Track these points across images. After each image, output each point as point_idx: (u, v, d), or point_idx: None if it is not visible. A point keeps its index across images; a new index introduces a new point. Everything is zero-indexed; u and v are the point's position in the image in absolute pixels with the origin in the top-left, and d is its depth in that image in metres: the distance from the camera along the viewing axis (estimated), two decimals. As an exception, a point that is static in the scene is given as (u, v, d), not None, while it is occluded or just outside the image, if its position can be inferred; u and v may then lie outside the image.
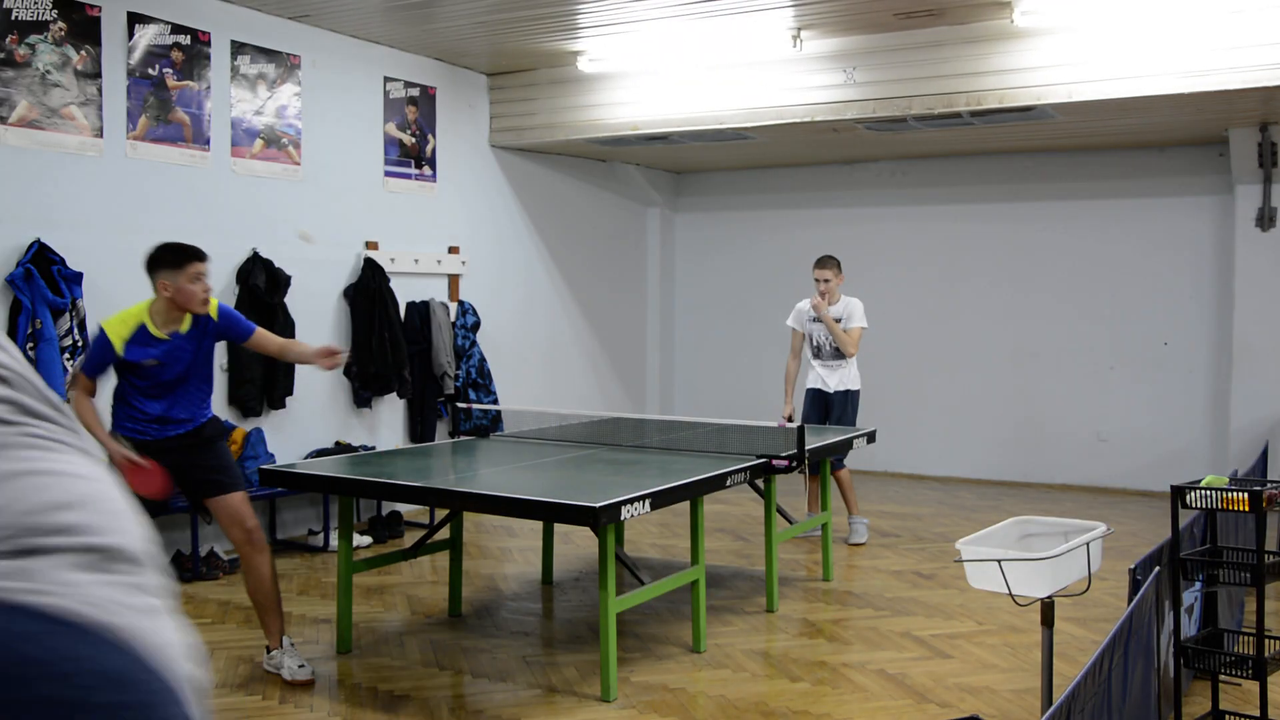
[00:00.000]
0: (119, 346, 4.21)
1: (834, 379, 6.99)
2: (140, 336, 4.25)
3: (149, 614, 0.45)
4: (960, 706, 4.09)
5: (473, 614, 5.36)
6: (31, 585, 0.42)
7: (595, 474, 4.82)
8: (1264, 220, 8.21)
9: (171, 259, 4.29)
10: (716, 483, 4.64)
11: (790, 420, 6.87)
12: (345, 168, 7.45)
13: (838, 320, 6.95)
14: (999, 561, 3.07)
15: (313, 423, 7.19)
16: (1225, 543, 3.83)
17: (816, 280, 6.97)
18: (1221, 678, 3.69)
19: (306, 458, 6.76)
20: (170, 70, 6.33)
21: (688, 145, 8.69)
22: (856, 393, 7.01)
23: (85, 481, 0.48)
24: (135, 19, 6.14)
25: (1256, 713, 3.56)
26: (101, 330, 4.26)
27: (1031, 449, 9.46)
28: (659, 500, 4.20)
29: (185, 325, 4.33)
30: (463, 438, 6.05)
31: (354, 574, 4.98)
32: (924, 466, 9.91)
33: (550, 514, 4.19)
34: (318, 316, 7.23)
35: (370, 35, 7.45)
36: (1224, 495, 3.36)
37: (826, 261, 6.99)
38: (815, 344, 7.04)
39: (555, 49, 7.73)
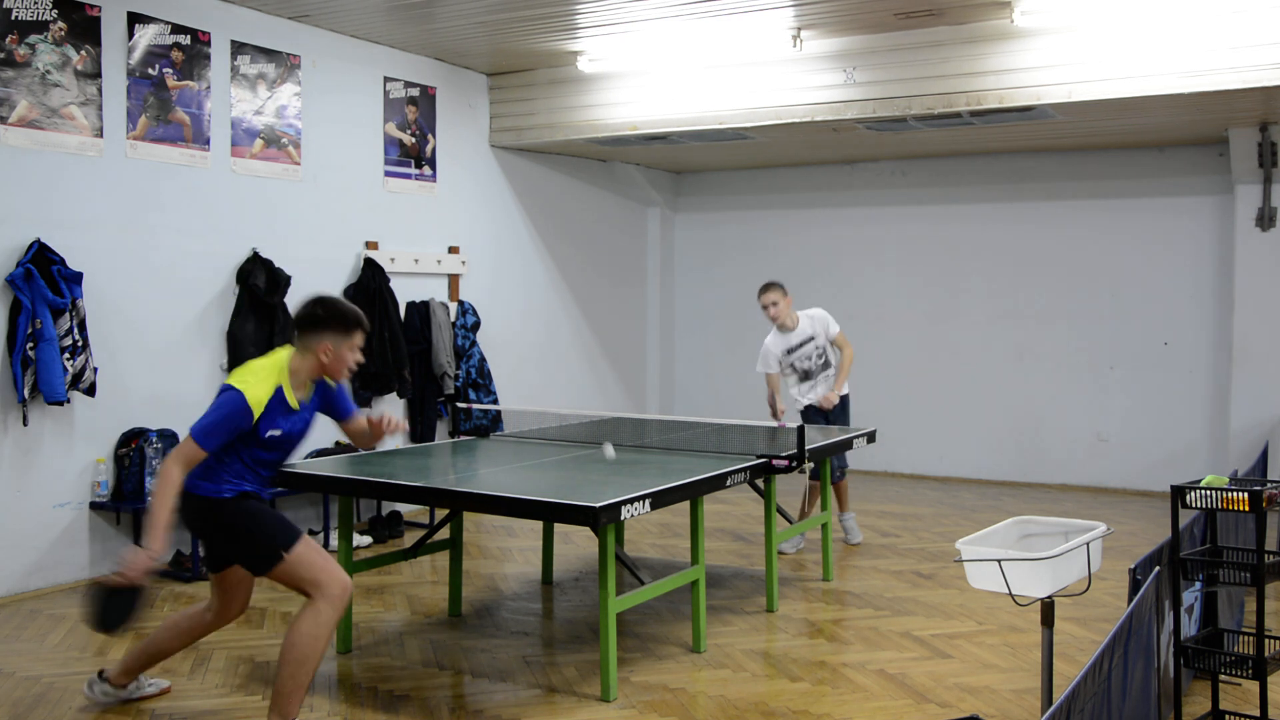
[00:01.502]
0: (256, 414, 3.57)
1: (823, 388, 6.83)
2: (276, 403, 3.64)
3: None
4: (960, 706, 4.09)
5: (473, 614, 5.36)
6: None
7: (595, 474, 4.82)
8: (1264, 220, 8.21)
9: (341, 323, 3.73)
10: (716, 483, 4.64)
11: (782, 414, 6.75)
12: (345, 168, 7.45)
13: (811, 339, 6.75)
14: (999, 561, 3.07)
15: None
16: (1225, 543, 3.83)
17: (764, 307, 6.71)
18: (1221, 678, 3.69)
19: (306, 458, 6.76)
20: (170, 70, 6.33)
21: (688, 145, 8.69)
22: (846, 397, 6.93)
23: None
24: (135, 19, 6.14)
25: (1256, 713, 3.56)
26: (236, 392, 3.54)
27: (1031, 449, 9.47)
28: (659, 500, 4.19)
29: (309, 393, 3.83)
30: (463, 438, 6.06)
31: (354, 574, 4.98)
32: (924, 466, 9.92)
33: (550, 514, 4.18)
34: (318, 316, 7.22)
35: (370, 35, 7.45)
36: (1224, 495, 3.36)
37: (768, 287, 6.74)
38: (803, 370, 6.82)
39: (555, 49, 7.73)
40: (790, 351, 6.79)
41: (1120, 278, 9.13)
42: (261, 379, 3.64)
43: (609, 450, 4.22)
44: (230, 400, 3.55)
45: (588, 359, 10.04)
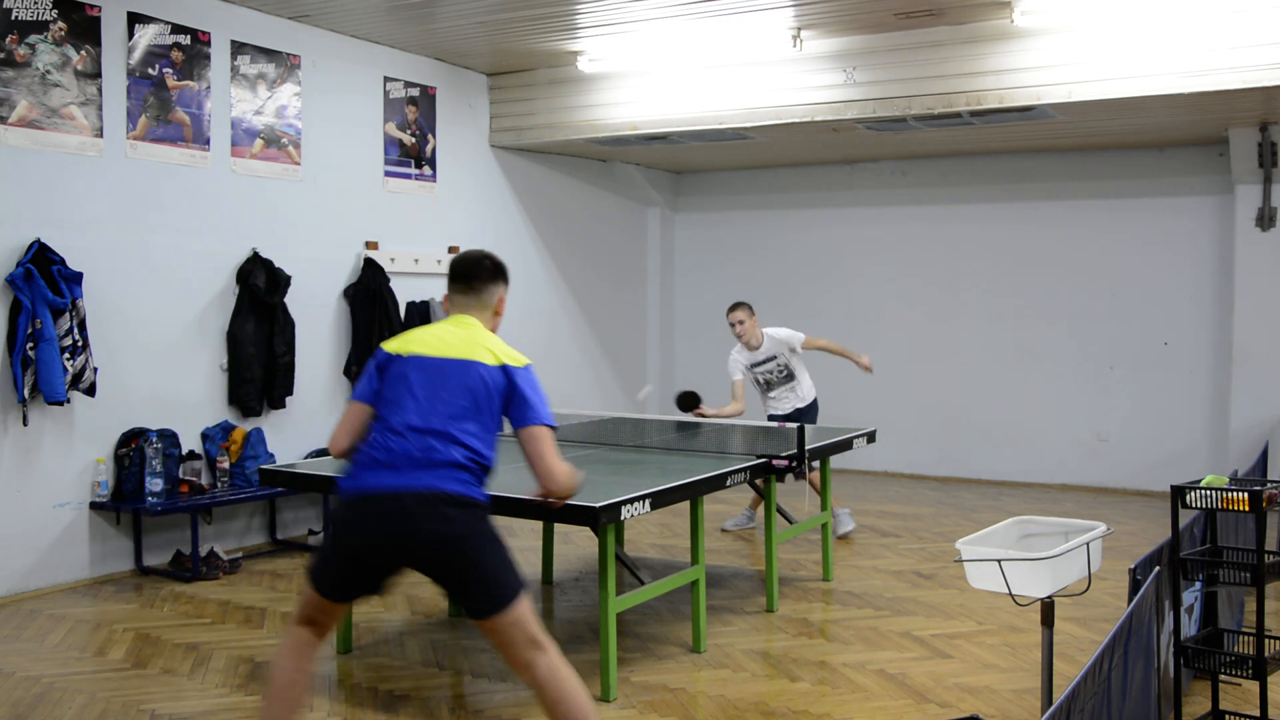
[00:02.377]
0: None
1: (790, 398, 7.15)
2: None
3: None
4: (960, 706, 4.09)
5: (473, 614, 5.36)
6: None
7: (595, 474, 4.81)
8: (1264, 220, 8.21)
9: (507, 273, 3.44)
10: (716, 483, 4.64)
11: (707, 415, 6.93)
12: (345, 168, 7.45)
13: (773, 358, 7.04)
14: (999, 561, 3.07)
15: (313, 423, 7.18)
16: (1225, 543, 3.83)
17: (730, 325, 7.03)
18: (1221, 678, 3.69)
19: (306, 458, 6.76)
20: (170, 70, 6.33)
21: (688, 145, 8.69)
22: (811, 406, 7.16)
23: None
24: (135, 19, 6.14)
25: (1256, 713, 3.56)
26: (530, 370, 3.25)
27: (1032, 449, 9.47)
28: (659, 500, 4.20)
29: None
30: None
31: (354, 574, 4.97)
32: (924, 466, 9.92)
33: (550, 514, 4.18)
34: (318, 316, 7.23)
35: (370, 35, 7.45)
36: (1224, 495, 3.35)
37: (735, 306, 7.06)
38: (765, 381, 7.16)
39: (555, 49, 7.73)
40: (753, 367, 7.13)
41: (1120, 278, 9.13)
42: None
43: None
44: (534, 377, 3.24)
45: (588, 359, 10.04)
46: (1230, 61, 6.09)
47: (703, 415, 6.79)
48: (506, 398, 3.18)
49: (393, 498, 3.02)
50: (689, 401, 6.76)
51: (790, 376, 7.13)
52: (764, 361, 7.09)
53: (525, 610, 3.07)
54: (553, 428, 3.18)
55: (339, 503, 3.14)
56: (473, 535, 3.04)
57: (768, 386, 7.18)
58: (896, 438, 9.50)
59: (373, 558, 3.09)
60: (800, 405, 7.13)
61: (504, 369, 3.18)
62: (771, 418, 7.18)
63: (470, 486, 3.08)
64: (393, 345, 3.28)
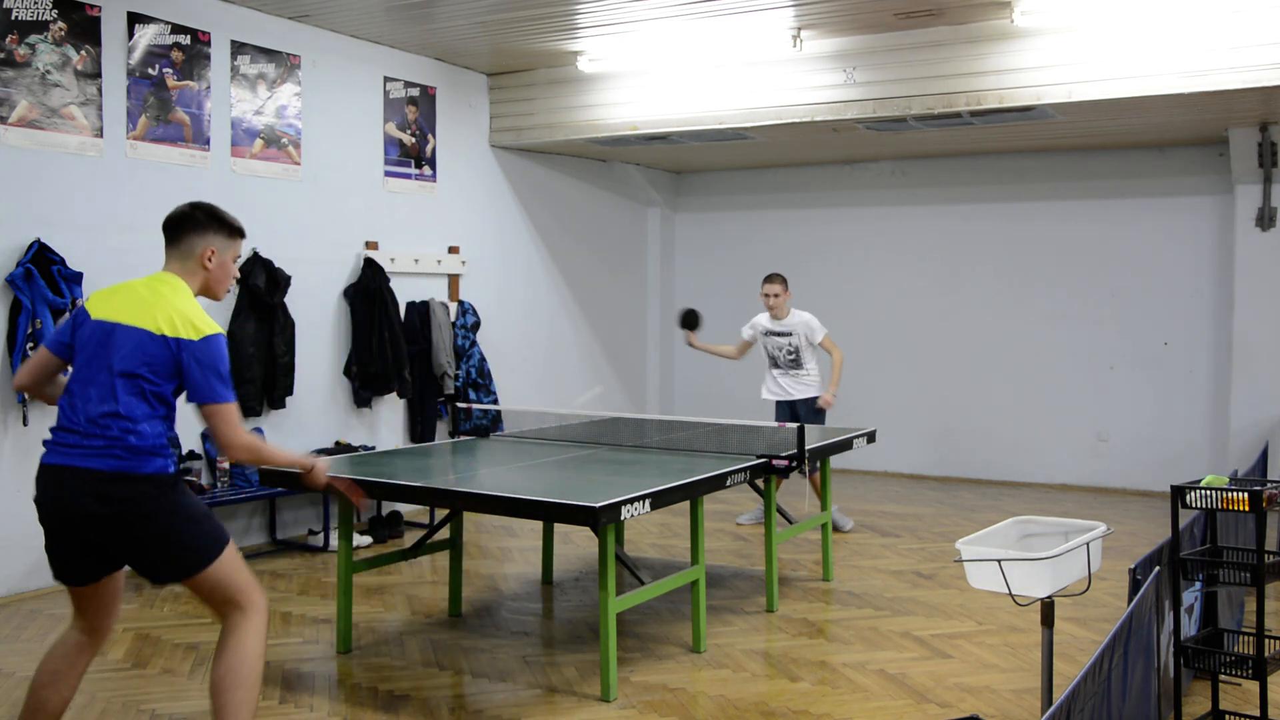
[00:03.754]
0: None
1: (797, 387, 7.26)
2: None
3: None
4: (960, 706, 4.09)
5: (473, 614, 5.37)
6: None
7: (595, 474, 4.82)
8: (1264, 220, 8.21)
9: (226, 225, 3.29)
10: (716, 483, 4.64)
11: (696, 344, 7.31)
12: (345, 168, 7.45)
13: (789, 335, 7.20)
14: (999, 561, 3.07)
15: (313, 423, 7.19)
16: (1225, 543, 3.83)
17: (765, 295, 7.18)
18: (1221, 678, 3.69)
19: (306, 458, 6.75)
20: (170, 70, 6.33)
21: (688, 145, 8.69)
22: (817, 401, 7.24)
23: None
24: (135, 19, 6.14)
25: (1256, 713, 3.56)
26: (222, 336, 3.16)
27: (1031, 449, 9.47)
28: (659, 500, 4.19)
29: None
30: (463, 438, 6.05)
31: (354, 574, 4.98)
32: (924, 466, 9.92)
33: (550, 514, 4.19)
34: (318, 316, 7.23)
35: (370, 35, 7.45)
36: (1224, 495, 3.36)
37: (774, 277, 7.24)
38: (770, 355, 7.31)
39: (555, 49, 7.73)
40: (768, 334, 7.28)
41: (1120, 278, 9.13)
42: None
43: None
44: (225, 346, 3.13)
45: (588, 359, 10.04)
46: (1230, 61, 6.09)
47: (692, 344, 7.20)
48: (178, 370, 3.08)
49: (54, 473, 3.08)
50: (689, 320, 7.07)
51: (798, 364, 7.21)
52: (780, 334, 7.21)
53: (212, 580, 3.10)
54: (224, 401, 3.06)
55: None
56: (131, 512, 3.02)
57: (773, 363, 7.28)
58: (896, 438, 9.50)
59: (58, 533, 3.13)
60: (805, 396, 7.20)
61: (173, 341, 3.06)
62: (777, 402, 7.26)
63: (127, 461, 3.02)
64: (90, 301, 3.23)
